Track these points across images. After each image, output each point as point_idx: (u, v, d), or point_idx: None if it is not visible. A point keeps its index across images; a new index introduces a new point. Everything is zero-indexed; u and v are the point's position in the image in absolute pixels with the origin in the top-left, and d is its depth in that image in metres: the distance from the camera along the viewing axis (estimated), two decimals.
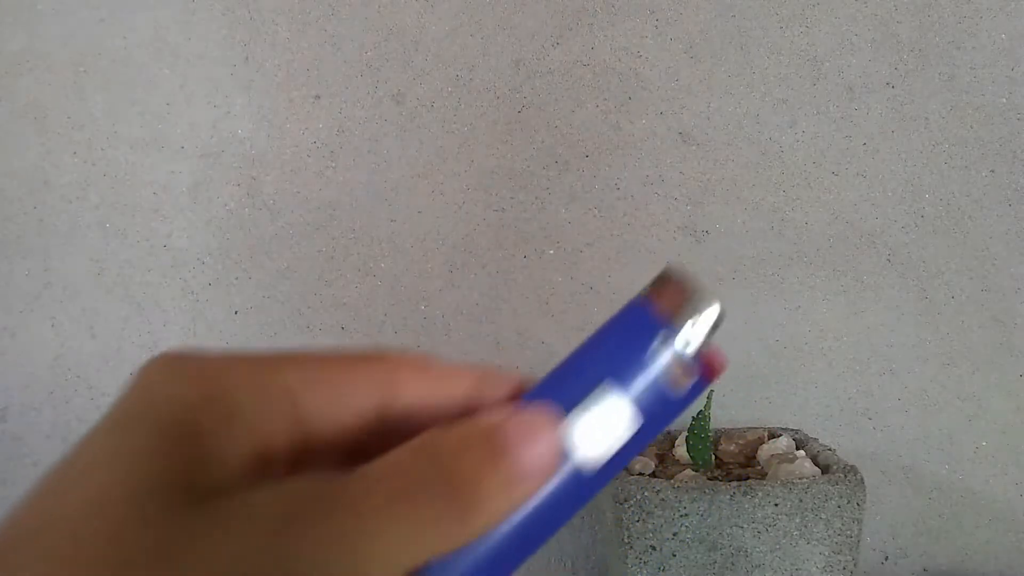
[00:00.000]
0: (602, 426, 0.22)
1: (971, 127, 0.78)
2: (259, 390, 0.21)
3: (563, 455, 0.22)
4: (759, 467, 0.66)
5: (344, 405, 0.22)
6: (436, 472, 0.20)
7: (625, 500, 0.58)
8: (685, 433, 0.66)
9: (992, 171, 0.78)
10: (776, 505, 0.57)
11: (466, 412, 0.23)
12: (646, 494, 0.57)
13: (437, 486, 0.20)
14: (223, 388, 0.20)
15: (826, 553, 0.57)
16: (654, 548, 0.57)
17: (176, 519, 0.18)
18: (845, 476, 0.58)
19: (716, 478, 0.63)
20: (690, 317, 0.23)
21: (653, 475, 0.65)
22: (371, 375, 0.23)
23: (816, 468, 0.62)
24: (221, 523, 0.18)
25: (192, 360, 0.21)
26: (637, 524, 0.57)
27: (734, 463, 0.68)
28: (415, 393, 0.23)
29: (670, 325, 0.23)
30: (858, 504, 0.58)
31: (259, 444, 0.20)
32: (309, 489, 0.19)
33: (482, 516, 0.20)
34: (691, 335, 0.23)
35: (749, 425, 0.75)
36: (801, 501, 0.57)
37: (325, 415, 0.22)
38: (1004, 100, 0.78)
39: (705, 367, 0.23)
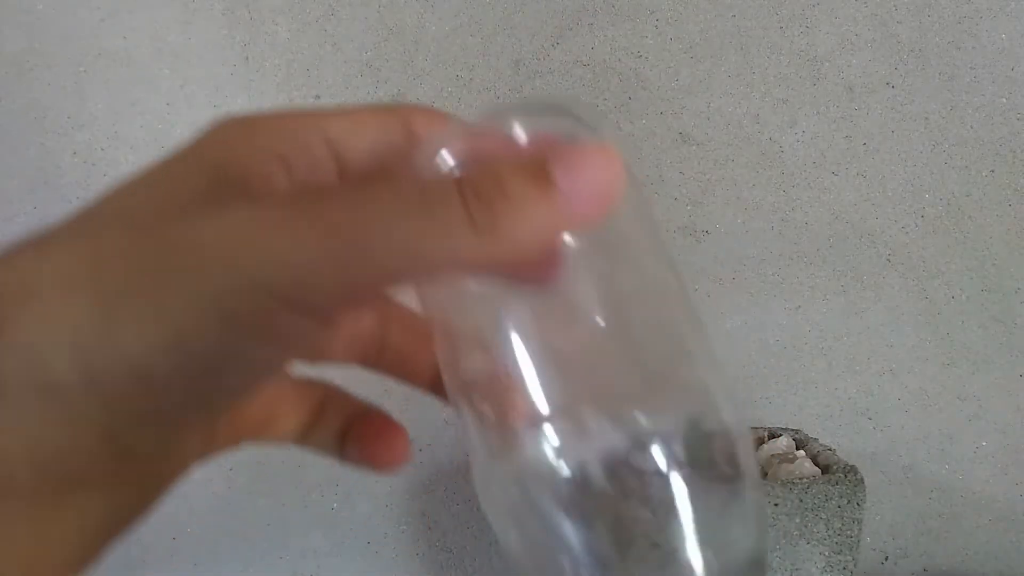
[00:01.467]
0: None
1: (971, 127, 0.78)
2: (302, 142, 0.22)
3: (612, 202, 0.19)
4: (759, 467, 0.66)
5: (373, 148, 0.23)
6: (466, 186, 0.18)
7: None
8: None
9: (992, 171, 0.78)
10: (776, 505, 0.57)
11: None
12: None
13: (463, 195, 0.18)
14: (271, 138, 0.22)
15: (826, 553, 0.57)
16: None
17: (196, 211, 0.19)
18: (845, 476, 0.58)
19: None
20: None
21: None
22: (393, 122, 0.24)
23: (816, 468, 0.62)
24: (231, 204, 0.19)
25: (245, 117, 0.22)
26: None
27: None
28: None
29: None
30: (858, 504, 0.58)
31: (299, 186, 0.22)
32: (325, 186, 0.22)
33: (506, 237, 0.18)
34: None
35: (749, 425, 0.75)
36: (801, 501, 0.57)
37: (359, 159, 0.23)
38: (1004, 100, 0.78)
39: None
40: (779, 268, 0.79)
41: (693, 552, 0.20)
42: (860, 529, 0.58)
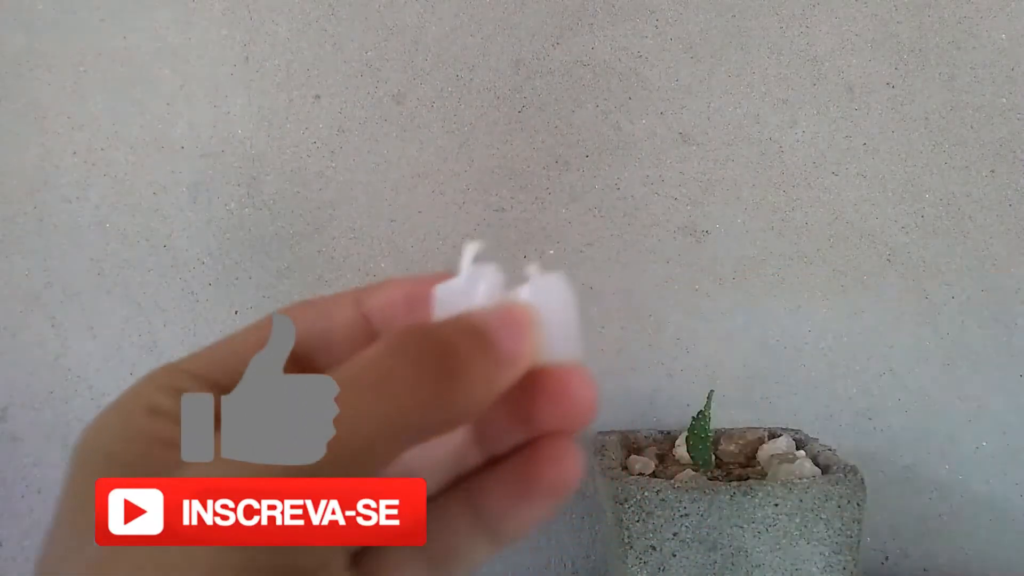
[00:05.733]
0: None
1: (971, 127, 0.78)
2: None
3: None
4: (759, 467, 0.66)
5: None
6: (425, 357, 0.21)
7: (625, 500, 0.57)
8: (685, 433, 0.66)
9: (992, 171, 0.78)
10: (776, 505, 0.57)
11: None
12: (646, 494, 0.57)
13: (425, 370, 0.21)
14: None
15: (826, 553, 0.57)
16: (654, 548, 0.57)
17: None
18: (845, 476, 0.58)
19: (716, 478, 0.63)
20: None
21: (653, 475, 0.65)
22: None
23: (816, 468, 0.62)
24: None
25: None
26: (637, 524, 0.57)
27: (734, 463, 0.68)
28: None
29: None
30: (858, 504, 0.58)
31: None
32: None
33: (466, 400, 0.22)
34: None
35: (749, 425, 0.75)
36: (801, 501, 0.57)
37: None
38: (1004, 100, 0.78)
39: None
40: (779, 268, 0.79)
41: None
42: (860, 529, 0.58)
